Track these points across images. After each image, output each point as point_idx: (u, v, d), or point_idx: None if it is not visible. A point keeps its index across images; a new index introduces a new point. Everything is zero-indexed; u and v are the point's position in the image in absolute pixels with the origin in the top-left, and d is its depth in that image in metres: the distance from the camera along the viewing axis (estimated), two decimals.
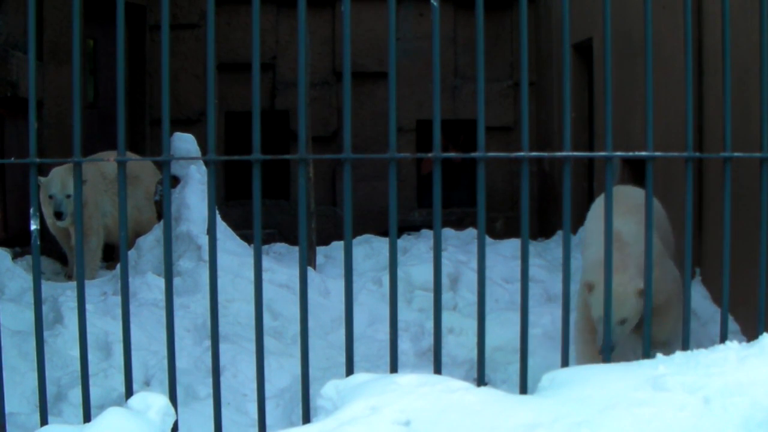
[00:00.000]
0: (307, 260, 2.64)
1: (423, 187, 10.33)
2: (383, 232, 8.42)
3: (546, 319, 5.70)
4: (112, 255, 7.94)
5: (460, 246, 7.66)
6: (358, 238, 8.01)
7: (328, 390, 2.32)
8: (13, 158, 3.01)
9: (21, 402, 4.22)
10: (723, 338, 2.54)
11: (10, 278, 6.23)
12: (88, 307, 3.51)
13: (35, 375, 2.54)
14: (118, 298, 4.41)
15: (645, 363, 2.34)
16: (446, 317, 5.32)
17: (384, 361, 4.56)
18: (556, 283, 6.30)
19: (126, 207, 2.53)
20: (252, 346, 2.69)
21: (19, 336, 4.70)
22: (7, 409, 2.62)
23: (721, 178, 2.60)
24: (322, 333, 5.42)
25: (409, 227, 9.39)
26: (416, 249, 7.48)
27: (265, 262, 5.79)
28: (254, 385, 2.55)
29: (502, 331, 5.03)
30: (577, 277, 6.90)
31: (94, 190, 7.45)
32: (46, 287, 5.84)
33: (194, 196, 6.55)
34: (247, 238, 6.34)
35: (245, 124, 9.46)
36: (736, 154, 2.57)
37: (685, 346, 2.53)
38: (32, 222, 2.54)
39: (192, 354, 5.00)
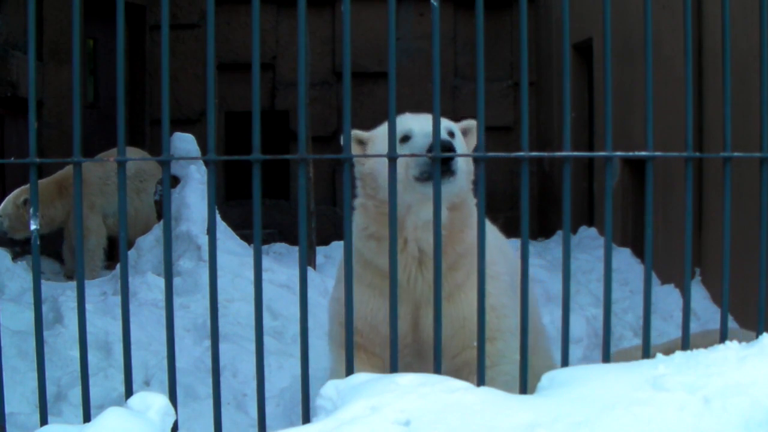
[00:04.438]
0: (307, 260, 2.63)
1: None
2: None
3: (546, 319, 5.68)
4: (112, 255, 7.94)
5: None
6: None
7: (328, 390, 2.32)
8: (12, 158, 3.00)
9: (21, 402, 4.21)
10: (723, 338, 2.54)
11: (10, 278, 6.23)
12: (88, 307, 3.51)
13: (35, 375, 2.53)
14: (118, 298, 4.41)
15: (645, 363, 2.34)
16: None
17: None
18: (556, 283, 6.29)
19: (126, 207, 2.52)
20: (252, 346, 2.69)
21: (19, 336, 4.70)
22: (7, 409, 2.62)
23: (720, 178, 2.60)
24: (322, 333, 5.40)
25: None
26: None
27: (265, 262, 5.79)
28: (254, 385, 2.55)
29: None
30: (577, 278, 6.92)
31: (92, 191, 7.46)
32: (46, 287, 5.84)
33: (194, 195, 6.56)
34: (247, 238, 6.34)
35: (245, 124, 9.47)
36: (735, 153, 2.57)
37: (685, 346, 2.52)
38: (32, 222, 2.54)
39: (192, 354, 5.00)
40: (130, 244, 6.62)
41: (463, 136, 3.29)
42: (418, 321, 3.24)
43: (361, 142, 3.25)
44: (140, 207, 7.62)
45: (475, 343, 2.56)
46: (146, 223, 7.51)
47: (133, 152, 7.47)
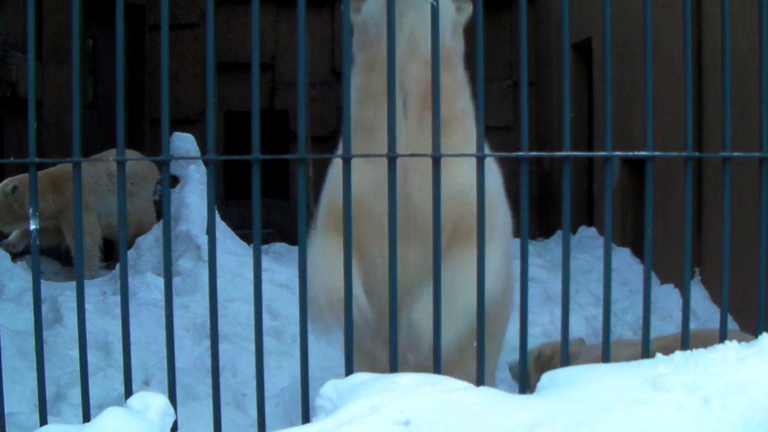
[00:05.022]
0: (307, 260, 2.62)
1: None
2: None
3: (545, 319, 5.70)
4: (112, 254, 7.94)
5: None
6: None
7: (327, 390, 2.32)
8: (12, 158, 3.01)
9: (20, 402, 4.21)
10: (722, 338, 2.53)
11: (10, 278, 6.24)
12: (88, 306, 3.50)
13: (35, 375, 2.53)
14: (118, 298, 4.41)
15: (644, 363, 2.34)
16: None
17: None
18: (555, 283, 6.28)
19: (125, 207, 2.52)
20: (251, 346, 2.69)
21: (19, 336, 4.70)
22: (7, 409, 2.62)
23: (720, 178, 2.60)
24: None
25: None
26: None
27: (265, 262, 5.79)
28: (254, 385, 2.55)
29: None
30: (577, 277, 6.92)
31: (84, 190, 7.45)
32: (46, 287, 5.84)
33: (194, 195, 6.56)
34: (246, 238, 6.34)
35: (245, 123, 9.47)
36: (735, 153, 2.57)
37: (685, 346, 2.52)
38: (31, 222, 2.54)
39: (191, 354, 5.00)
40: (128, 245, 6.63)
41: (457, 13, 3.12)
42: (405, 189, 2.91)
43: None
44: (132, 210, 7.60)
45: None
46: (139, 225, 7.51)
47: (128, 154, 7.48)
